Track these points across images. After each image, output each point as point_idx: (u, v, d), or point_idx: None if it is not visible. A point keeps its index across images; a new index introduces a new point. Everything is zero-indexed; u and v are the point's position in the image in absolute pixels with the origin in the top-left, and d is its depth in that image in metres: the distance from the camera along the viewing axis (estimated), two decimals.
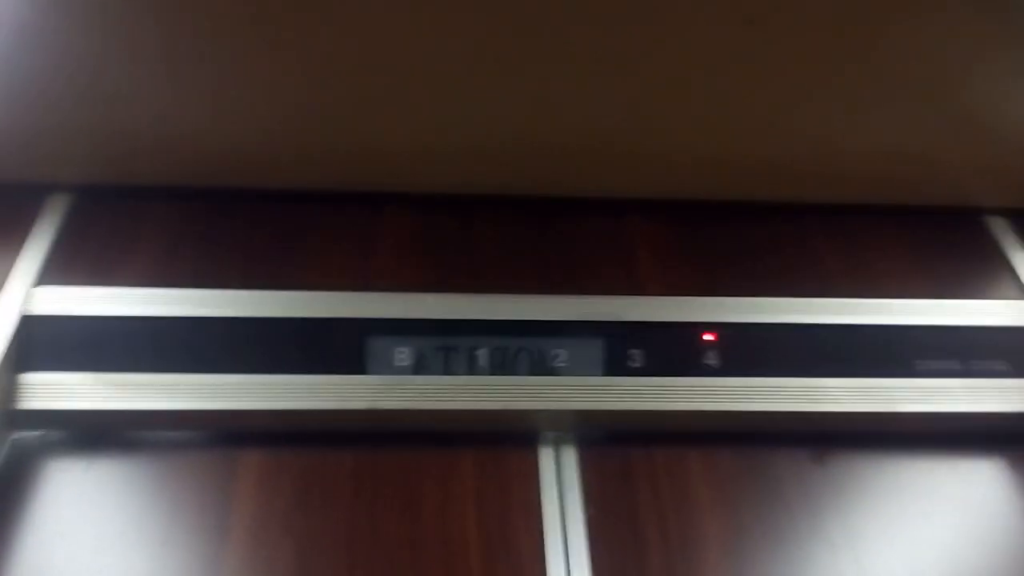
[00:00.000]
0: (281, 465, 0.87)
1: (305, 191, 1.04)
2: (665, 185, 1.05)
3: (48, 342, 0.88)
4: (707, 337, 0.94)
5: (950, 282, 1.03)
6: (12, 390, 0.86)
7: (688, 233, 1.06)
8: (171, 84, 0.89)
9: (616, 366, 0.92)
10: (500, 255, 1.02)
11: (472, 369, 0.91)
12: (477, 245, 1.03)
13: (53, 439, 0.87)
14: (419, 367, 0.90)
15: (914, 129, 0.98)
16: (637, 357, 0.92)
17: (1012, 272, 1.05)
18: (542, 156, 1.00)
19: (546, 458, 0.90)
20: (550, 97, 0.92)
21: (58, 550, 0.80)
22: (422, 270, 1.00)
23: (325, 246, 1.01)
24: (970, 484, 0.92)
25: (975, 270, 1.05)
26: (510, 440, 0.90)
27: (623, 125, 0.96)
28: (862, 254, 1.06)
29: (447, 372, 0.90)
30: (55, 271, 0.95)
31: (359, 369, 0.89)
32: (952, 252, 1.07)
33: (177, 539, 0.81)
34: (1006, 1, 0.83)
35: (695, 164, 1.01)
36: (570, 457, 0.90)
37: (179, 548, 0.81)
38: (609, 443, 0.91)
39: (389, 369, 0.90)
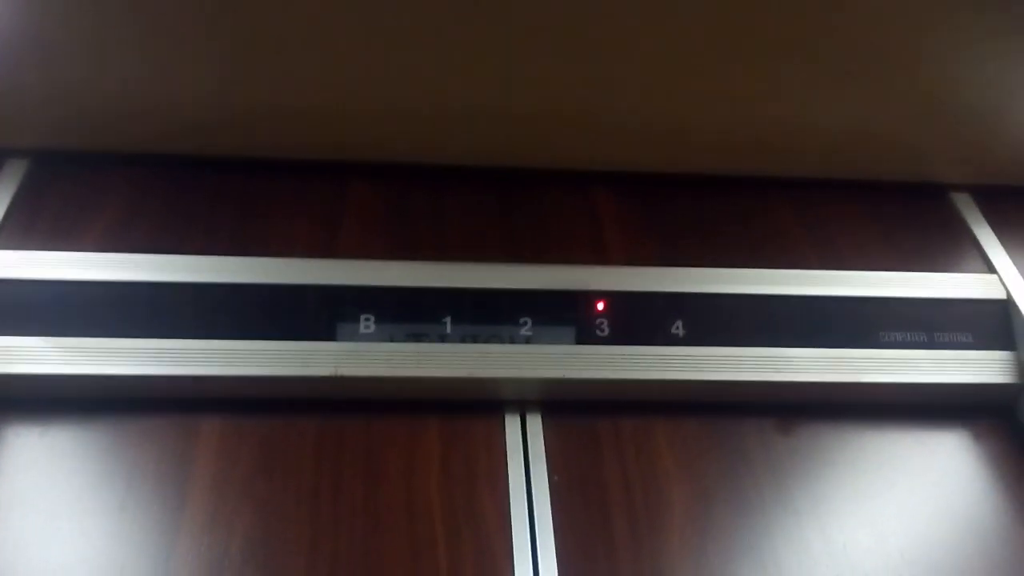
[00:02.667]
0: (242, 432, 0.86)
1: (269, 160, 1.03)
2: (632, 157, 1.05)
3: (4, 306, 0.86)
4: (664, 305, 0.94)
5: (915, 256, 1.04)
6: None
7: (655, 205, 1.06)
8: (130, 50, 0.88)
9: (582, 335, 0.91)
10: (467, 225, 1.02)
11: (439, 338, 0.90)
12: (444, 215, 1.02)
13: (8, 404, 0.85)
14: (385, 335, 0.89)
15: (879, 105, 0.99)
16: (603, 326, 0.92)
17: (976, 247, 1.05)
18: (509, 126, 1.00)
19: (512, 426, 0.89)
20: (517, 67, 0.92)
21: (13, 517, 0.78)
22: (389, 239, 0.99)
23: (290, 215, 1.00)
24: (934, 454, 0.93)
25: (940, 245, 1.06)
26: (476, 408, 0.89)
27: (589, 96, 0.95)
28: (828, 228, 1.06)
29: (413, 340, 0.89)
30: (11, 236, 0.93)
31: (324, 336, 0.88)
32: (917, 227, 1.08)
33: (135, 505, 0.80)
34: None
35: (662, 136, 1.02)
36: (536, 425, 0.89)
37: (137, 514, 0.79)
38: (575, 412, 0.90)
39: (354, 336, 0.89)
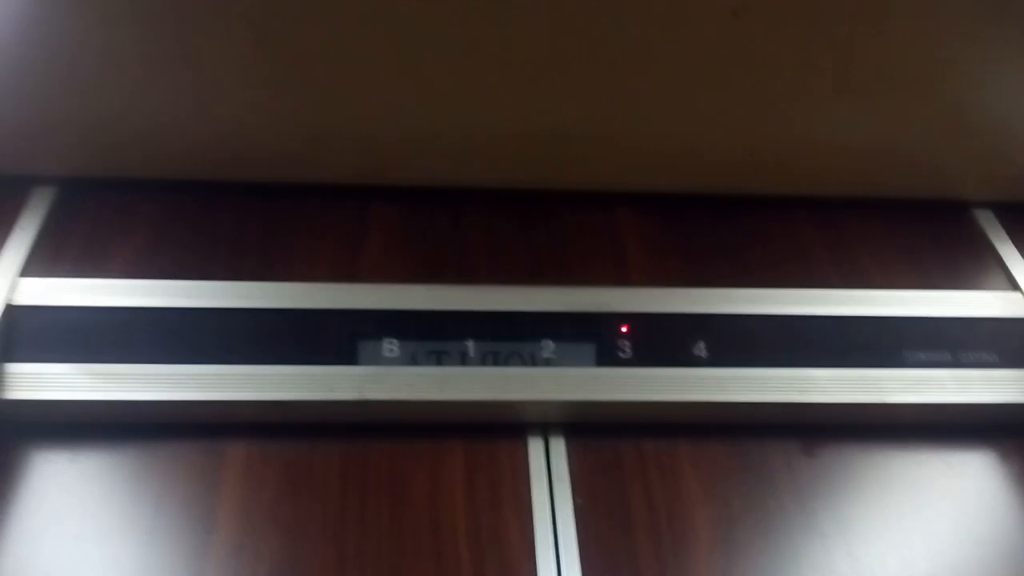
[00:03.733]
0: (268, 456, 0.86)
1: (292, 184, 1.04)
2: (654, 178, 1.05)
3: (33, 332, 0.87)
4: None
5: (938, 274, 1.04)
6: None
7: (677, 226, 1.06)
8: (156, 77, 0.89)
9: (605, 357, 0.91)
10: (489, 248, 1.02)
11: (461, 360, 0.90)
12: (466, 238, 1.03)
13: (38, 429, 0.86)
14: (408, 358, 0.90)
15: (901, 123, 0.98)
16: (626, 348, 0.92)
17: (1000, 264, 1.05)
18: (531, 148, 1.00)
19: (535, 449, 0.89)
20: (539, 90, 0.92)
21: (43, 541, 0.79)
22: (410, 263, 1.00)
23: (313, 239, 1.01)
24: (960, 475, 0.92)
25: (963, 262, 1.06)
26: (499, 431, 0.90)
27: (610, 117, 0.96)
28: (850, 247, 1.06)
29: (436, 363, 0.90)
30: (40, 263, 0.94)
31: (348, 360, 0.89)
32: (940, 245, 1.07)
33: (163, 530, 0.80)
34: None
35: (683, 156, 1.02)
36: (559, 448, 0.89)
37: (165, 539, 0.80)
38: (598, 434, 0.90)
39: (378, 360, 0.89)
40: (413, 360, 0.89)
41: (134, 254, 0.96)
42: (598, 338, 0.92)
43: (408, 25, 0.84)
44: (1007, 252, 1.06)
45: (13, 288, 0.90)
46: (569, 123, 0.96)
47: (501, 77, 0.90)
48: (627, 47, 0.87)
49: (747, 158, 1.02)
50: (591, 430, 0.91)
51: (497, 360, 0.90)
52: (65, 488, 0.83)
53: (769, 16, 0.84)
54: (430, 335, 0.91)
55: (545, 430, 0.90)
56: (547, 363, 0.91)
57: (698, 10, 0.83)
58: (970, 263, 1.06)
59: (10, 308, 0.88)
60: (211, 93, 0.91)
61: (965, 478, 0.92)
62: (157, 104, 0.92)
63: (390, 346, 0.90)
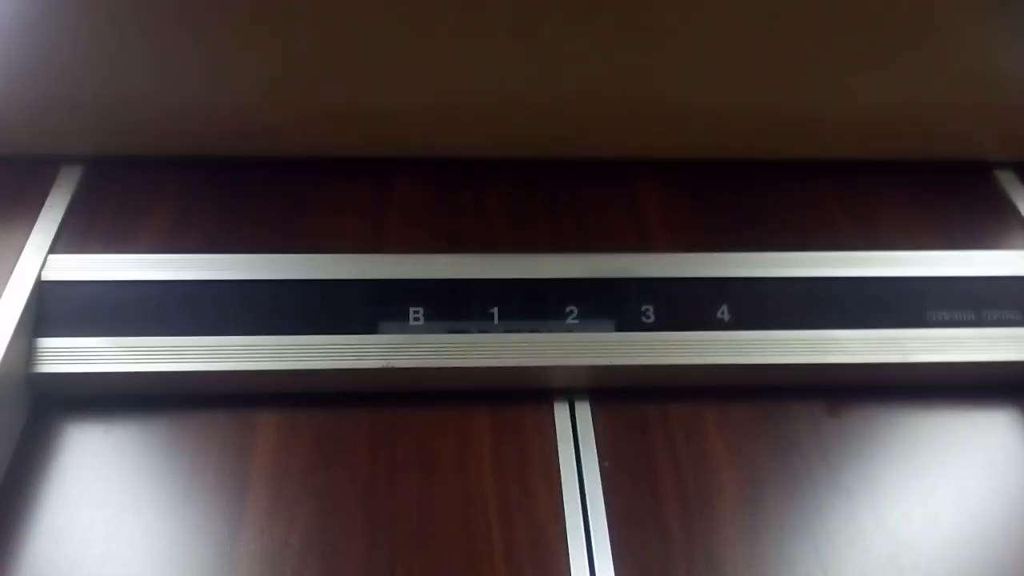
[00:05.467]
0: (297, 425, 0.87)
1: (315, 159, 1.05)
2: (673, 144, 1.05)
3: (64, 307, 0.89)
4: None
5: (960, 235, 1.03)
6: (30, 354, 0.86)
7: (699, 192, 1.06)
8: (177, 55, 0.90)
9: (628, 322, 0.92)
10: (512, 218, 1.03)
11: (486, 328, 0.91)
12: (489, 208, 1.03)
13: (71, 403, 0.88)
14: (433, 327, 0.91)
15: (923, 84, 0.98)
16: (649, 313, 0.93)
17: (1022, 223, 1.05)
18: (550, 117, 1.00)
19: (561, 414, 0.90)
20: (556, 58, 0.92)
21: (81, 511, 0.81)
22: (434, 233, 1.00)
23: (336, 212, 1.01)
24: (985, 433, 0.92)
25: (985, 222, 1.05)
26: (525, 397, 0.90)
27: (629, 84, 0.96)
28: (871, 209, 1.06)
29: (461, 331, 0.91)
30: (69, 240, 0.96)
31: (375, 329, 0.90)
32: (961, 206, 1.07)
33: (196, 497, 0.82)
34: None
35: (703, 122, 1.02)
36: (585, 412, 0.90)
37: (198, 506, 0.81)
38: (623, 398, 0.91)
39: (404, 329, 0.90)
40: (438, 329, 0.90)
41: (161, 230, 0.98)
42: (621, 304, 0.93)
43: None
44: None
45: (44, 265, 0.91)
46: (589, 91, 0.96)
47: (521, 46, 0.91)
48: (647, 13, 0.88)
49: (768, 122, 1.02)
50: (616, 394, 0.91)
51: (521, 327, 0.91)
52: (100, 460, 0.85)
53: None
54: (455, 304, 0.92)
55: (571, 395, 0.91)
56: (571, 329, 0.91)
57: None
58: (992, 223, 1.05)
59: (41, 284, 0.90)
60: (231, 70, 0.92)
61: (989, 435, 0.92)
62: (179, 81, 0.93)
63: (415, 315, 0.91)
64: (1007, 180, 1.10)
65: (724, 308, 0.93)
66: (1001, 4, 0.89)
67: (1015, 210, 1.06)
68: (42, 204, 0.98)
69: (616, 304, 0.93)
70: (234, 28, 0.87)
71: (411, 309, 0.91)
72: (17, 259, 0.92)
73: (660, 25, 0.89)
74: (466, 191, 1.05)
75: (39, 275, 0.90)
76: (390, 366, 0.88)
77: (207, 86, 0.94)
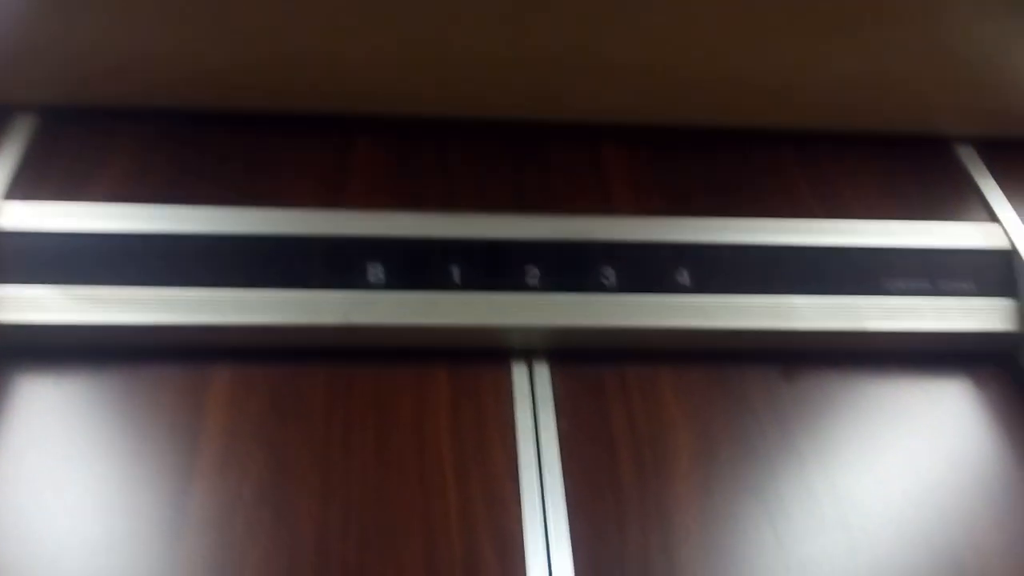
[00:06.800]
0: (253, 380, 0.87)
1: (276, 113, 1.03)
2: (637, 108, 1.05)
3: (16, 256, 0.87)
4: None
5: (919, 206, 1.05)
6: None
7: (661, 157, 1.07)
8: (136, 5, 0.88)
9: (589, 284, 0.92)
10: (475, 178, 1.02)
11: (446, 286, 0.91)
12: (451, 168, 1.03)
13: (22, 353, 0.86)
14: (393, 283, 0.90)
15: (889, 57, 0.99)
16: (610, 275, 0.93)
17: (980, 197, 1.06)
18: (513, 75, 1.00)
19: (519, 374, 0.90)
20: (521, 15, 0.91)
21: (29, 463, 0.80)
22: (395, 192, 0.99)
23: (298, 168, 1.00)
24: (937, 401, 0.94)
25: (943, 195, 1.07)
26: (484, 356, 0.91)
27: (596, 46, 0.95)
28: (832, 179, 1.07)
29: (421, 288, 0.90)
30: (22, 189, 0.93)
31: (334, 285, 0.89)
32: (921, 178, 1.08)
33: (148, 450, 0.81)
34: None
35: (667, 87, 1.02)
36: (543, 373, 0.90)
37: (150, 459, 0.81)
38: (582, 360, 0.91)
39: (364, 285, 0.89)
40: (399, 286, 0.90)
41: (117, 180, 0.96)
42: (582, 266, 0.93)
43: None
44: (987, 186, 1.07)
45: None
46: (553, 49, 0.96)
47: (487, 3, 0.90)
48: None
49: (733, 90, 1.02)
50: (575, 356, 0.92)
51: (482, 286, 0.91)
52: (50, 411, 0.83)
53: None
54: (416, 261, 0.91)
55: (529, 355, 0.91)
56: (531, 290, 0.91)
57: None
58: (951, 196, 1.07)
59: None
60: (187, 17, 0.90)
61: (941, 403, 0.94)
62: (135, 31, 0.91)
63: (375, 272, 0.90)
64: (966, 155, 1.11)
65: (684, 272, 0.94)
66: None
67: (973, 184, 1.07)
68: None
69: (577, 266, 0.93)
70: None
71: (370, 266, 0.90)
72: None
73: None
74: (429, 151, 1.04)
75: None
76: (348, 322, 0.87)
77: (164, 34, 0.91)
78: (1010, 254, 0.99)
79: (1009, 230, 1.01)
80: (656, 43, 0.95)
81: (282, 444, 0.83)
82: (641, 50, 0.96)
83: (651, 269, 0.94)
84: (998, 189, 1.06)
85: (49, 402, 0.84)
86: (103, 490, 0.79)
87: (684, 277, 0.93)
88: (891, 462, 0.88)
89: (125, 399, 0.84)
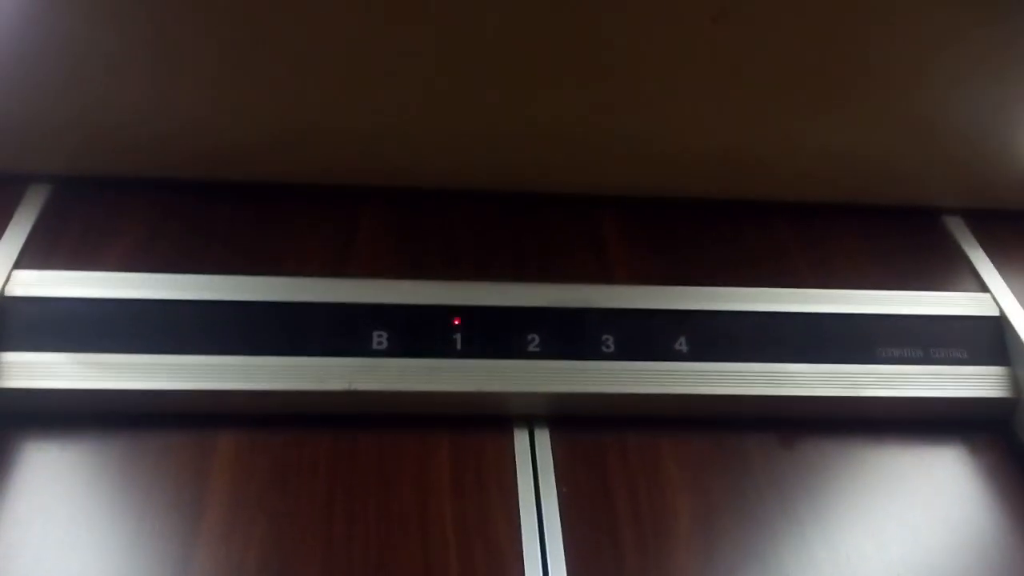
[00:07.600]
0: (257, 446, 0.88)
1: (284, 185, 1.06)
2: (635, 181, 1.08)
3: (26, 323, 0.89)
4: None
5: (910, 276, 1.07)
6: None
7: (659, 228, 1.09)
8: (152, 79, 0.91)
9: (588, 351, 0.94)
10: (476, 248, 1.04)
11: (448, 353, 0.92)
12: (453, 238, 1.05)
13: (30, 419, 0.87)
14: (396, 350, 0.91)
15: (876, 131, 1.02)
16: (609, 342, 0.94)
17: (970, 267, 1.08)
18: (515, 151, 1.03)
19: (521, 440, 0.91)
20: (521, 94, 0.95)
21: (34, 528, 0.80)
22: (399, 261, 1.02)
23: (305, 238, 1.02)
24: (932, 467, 0.95)
25: (934, 265, 1.09)
26: (486, 423, 0.91)
27: (593, 122, 0.99)
28: (825, 249, 1.09)
29: (424, 356, 0.91)
30: (34, 257, 0.95)
31: (338, 352, 0.90)
32: (911, 248, 1.11)
33: (152, 516, 0.81)
34: (958, 5, 0.87)
35: (664, 160, 1.05)
36: (544, 439, 0.91)
37: (154, 525, 0.81)
38: (582, 426, 0.92)
39: (368, 352, 0.91)
40: (402, 353, 0.91)
41: (128, 250, 0.98)
42: (581, 333, 0.95)
43: (392, 28, 0.86)
44: (976, 256, 1.09)
45: (7, 279, 0.91)
46: (553, 125, 0.99)
47: (487, 83, 0.93)
48: (609, 53, 0.90)
49: (727, 164, 1.05)
50: (575, 422, 0.93)
51: (483, 353, 0.92)
52: (56, 476, 0.84)
53: (747, 23, 0.87)
54: (419, 329, 0.93)
55: (530, 422, 0.92)
56: (532, 356, 0.93)
57: (678, 15, 0.86)
58: (941, 266, 1.09)
59: (4, 299, 0.89)
60: (201, 93, 0.93)
61: (937, 470, 0.95)
62: (152, 106, 0.94)
63: (379, 338, 0.92)
64: (955, 225, 1.14)
65: (682, 340, 0.95)
66: (952, 56, 0.93)
67: (963, 254, 1.10)
68: (8, 221, 0.98)
69: (577, 333, 0.95)
70: (206, 52, 0.88)
71: (375, 333, 0.92)
72: None
73: (623, 66, 0.91)
74: (432, 222, 1.06)
75: (2, 290, 0.90)
76: (352, 388, 0.89)
77: (176, 108, 0.94)
78: (1000, 322, 1.01)
79: (999, 299, 1.03)
80: (652, 119, 0.98)
81: (285, 511, 0.83)
82: (638, 125, 0.99)
83: (649, 337, 0.95)
84: (987, 259, 1.09)
85: (54, 468, 0.84)
86: (107, 557, 0.79)
87: (682, 344, 0.95)
88: (889, 527, 0.89)
89: (130, 465, 0.85)
